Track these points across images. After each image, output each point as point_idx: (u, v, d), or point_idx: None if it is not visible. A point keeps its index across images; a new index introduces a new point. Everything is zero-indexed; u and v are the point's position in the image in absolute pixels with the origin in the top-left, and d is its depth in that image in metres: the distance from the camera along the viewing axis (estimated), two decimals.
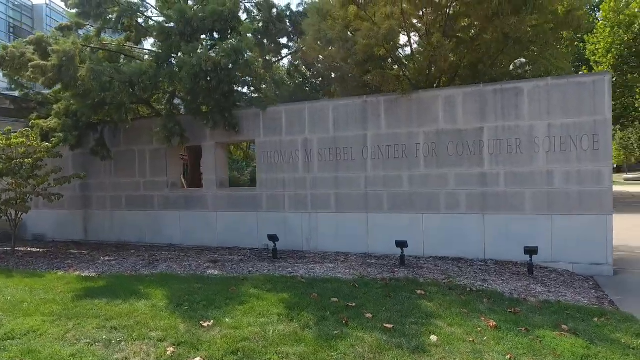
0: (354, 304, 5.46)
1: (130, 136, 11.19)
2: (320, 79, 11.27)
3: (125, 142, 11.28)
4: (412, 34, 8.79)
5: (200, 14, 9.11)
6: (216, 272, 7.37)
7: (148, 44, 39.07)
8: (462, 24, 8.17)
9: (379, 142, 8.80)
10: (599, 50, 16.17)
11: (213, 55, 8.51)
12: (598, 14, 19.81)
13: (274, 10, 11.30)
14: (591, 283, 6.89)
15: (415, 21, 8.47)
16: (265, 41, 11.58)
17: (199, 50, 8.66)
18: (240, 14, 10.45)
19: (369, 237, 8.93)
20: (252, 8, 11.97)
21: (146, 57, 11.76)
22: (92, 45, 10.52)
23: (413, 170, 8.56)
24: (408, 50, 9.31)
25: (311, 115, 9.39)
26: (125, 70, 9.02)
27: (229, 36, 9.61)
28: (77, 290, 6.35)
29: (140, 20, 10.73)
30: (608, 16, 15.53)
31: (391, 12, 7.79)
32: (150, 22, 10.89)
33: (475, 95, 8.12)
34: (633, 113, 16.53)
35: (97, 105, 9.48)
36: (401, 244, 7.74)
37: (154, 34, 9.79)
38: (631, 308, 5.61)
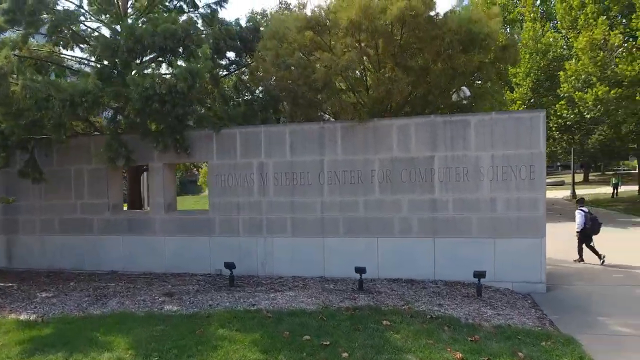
0: (327, 342, 5.57)
1: (65, 154, 10.35)
2: (270, 96, 11.21)
3: (59, 162, 10.42)
4: (367, 63, 9.08)
5: (151, 32, 8.68)
6: (175, 308, 7.10)
7: (79, 52, 36.15)
8: (417, 59, 8.60)
9: (336, 167, 9.00)
10: (520, 74, 17.82)
11: (168, 76, 8.17)
12: (518, 37, 21.73)
13: (225, 27, 11.05)
14: (529, 301, 7.62)
15: (370, 51, 8.76)
16: (215, 56, 11.29)
17: (150, 71, 8.27)
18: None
19: (325, 261, 9.09)
20: (202, 24, 11.62)
21: (85, 68, 10.97)
22: (19, 54, 9.60)
23: (368, 196, 8.86)
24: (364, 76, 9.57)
25: (267, 138, 9.34)
26: (66, 87, 8.36)
27: (181, 55, 9.28)
28: (22, 342, 5.79)
29: (78, 28, 10.02)
30: (527, 44, 17.15)
31: (350, 43, 8.01)
32: (93, 32, 10.21)
33: (427, 125, 8.60)
34: (548, 132, 18.41)
35: (31, 124, 8.67)
36: (360, 270, 7.99)
37: (98, 48, 9.15)
38: (568, 328, 6.31)
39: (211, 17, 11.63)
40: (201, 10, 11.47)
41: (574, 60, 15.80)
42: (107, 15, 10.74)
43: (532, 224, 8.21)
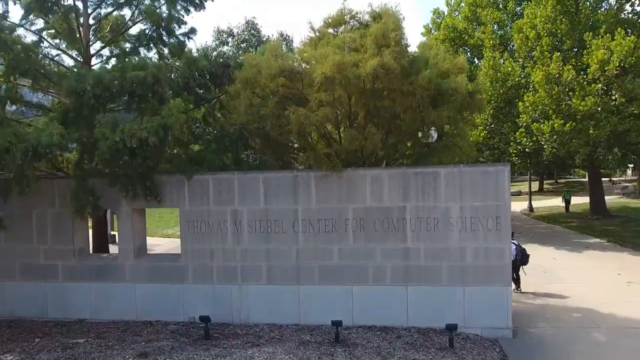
0: None
1: (27, 197, 9.86)
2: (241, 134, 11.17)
3: (20, 205, 9.93)
4: (340, 113, 9.23)
5: (120, 79, 8.45)
6: None
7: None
8: (389, 111, 8.83)
9: (310, 216, 9.09)
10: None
11: (137, 128, 7.98)
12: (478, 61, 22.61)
13: (194, 63, 10.89)
14: (498, 350, 7.98)
15: (343, 103, 8.91)
16: (185, 93, 11.13)
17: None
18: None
19: (300, 308, 9.16)
20: (168, 53, 11.43)
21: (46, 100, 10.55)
22: None
23: (343, 244, 9.01)
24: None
25: (241, 185, 9.31)
26: (29, 137, 8.01)
27: (151, 100, 9.09)
28: None
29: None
30: (488, 72, 17.90)
31: (324, 98, 8.13)
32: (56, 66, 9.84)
33: (399, 176, 8.85)
34: (507, 158, 19.35)
35: None
36: (336, 323, 8.12)
37: (63, 92, 8.82)
38: None
39: (179, 48, 11.46)
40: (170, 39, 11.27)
41: (531, 93, 16.62)
42: (73, 51, 10.39)
43: (498, 272, 8.61)
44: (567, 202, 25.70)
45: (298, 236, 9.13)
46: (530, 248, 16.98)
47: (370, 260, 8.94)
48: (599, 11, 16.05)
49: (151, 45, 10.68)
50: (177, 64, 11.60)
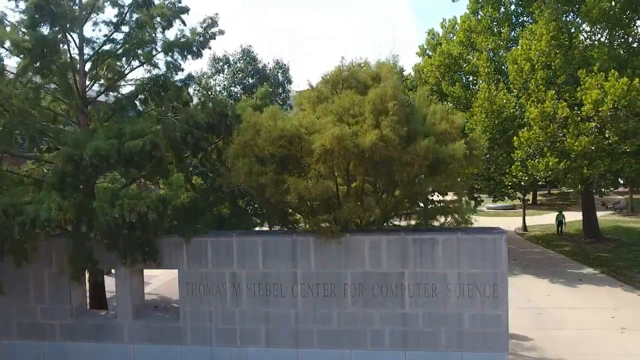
0: None
1: None
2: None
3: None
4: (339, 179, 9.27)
5: (118, 149, 8.42)
6: None
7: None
8: (389, 179, 8.89)
9: (309, 280, 9.12)
10: (477, 130, 18.71)
11: (137, 202, 7.97)
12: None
13: (193, 119, 10.87)
14: None
15: (342, 169, 8.97)
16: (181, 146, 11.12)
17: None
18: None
19: None
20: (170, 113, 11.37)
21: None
22: None
23: (342, 309, 9.05)
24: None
25: (239, 248, 9.33)
26: (27, 210, 7.98)
27: (148, 163, 9.08)
28: None
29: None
30: (483, 104, 18.03)
31: (324, 171, 8.18)
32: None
33: (397, 242, 8.90)
34: (503, 189, 19.52)
35: None
36: None
37: (60, 158, 8.77)
38: None
39: (176, 95, 11.47)
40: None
41: (526, 129, 16.77)
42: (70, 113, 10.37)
43: (496, 339, 8.70)
44: (560, 224, 25.92)
45: (297, 300, 9.16)
46: (526, 281, 17.12)
47: (369, 325, 9.00)
48: (593, 50, 16.20)
49: (148, 99, 10.63)
50: (174, 106, 11.63)
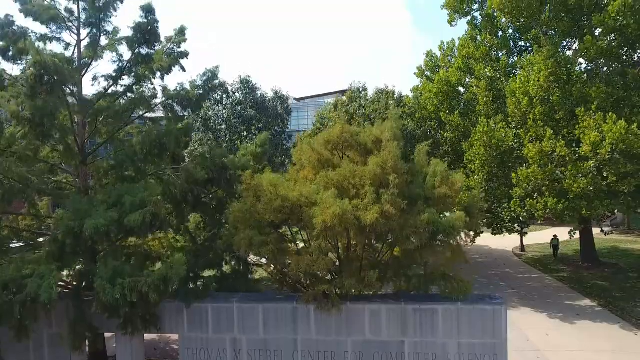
0: None
1: None
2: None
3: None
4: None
5: (118, 223, 8.43)
6: None
7: None
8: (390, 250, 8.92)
9: (310, 347, 9.15)
10: (476, 163, 18.77)
11: (138, 281, 7.97)
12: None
13: (193, 177, 10.88)
14: None
15: (343, 241, 9.02)
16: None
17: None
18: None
19: None
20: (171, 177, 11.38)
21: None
22: None
23: None
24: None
25: (240, 314, 9.35)
26: (28, 287, 7.97)
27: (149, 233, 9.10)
28: None
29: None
30: (482, 138, 18.08)
31: (325, 246, 8.20)
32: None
33: (397, 311, 8.94)
34: (501, 223, 19.60)
35: None
36: None
37: (61, 230, 8.75)
38: None
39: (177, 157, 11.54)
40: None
41: (524, 167, 16.82)
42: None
43: None
44: (555, 248, 25.97)
45: None
46: (524, 316, 17.12)
47: None
48: (591, 88, 16.24)
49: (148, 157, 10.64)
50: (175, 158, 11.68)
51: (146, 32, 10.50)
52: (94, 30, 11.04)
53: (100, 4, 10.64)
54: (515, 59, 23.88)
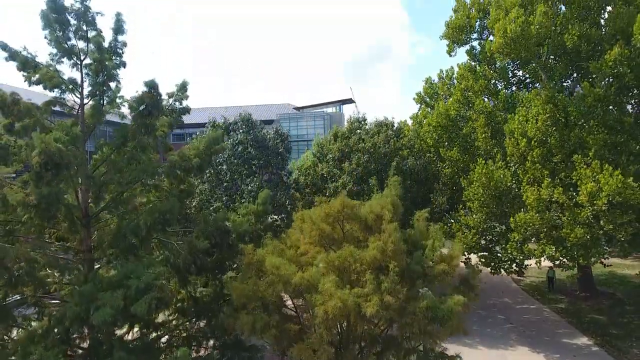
0: None
1: None
2: None
3: None
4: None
5: (122, 308, 8.59)
6: None
7: None
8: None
9: None
10: (475, 203, 18.98)
11: None
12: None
13: (195, 248, 11.04)
14: None
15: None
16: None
17: None
18: None
19: None
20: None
21: None
22: None
23: None
24: None
25: None
26: None
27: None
28: None
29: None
30: (481, 179, 18.27)
31: (326, 336, 8.38)
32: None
33: None
34: (499, 263, 19.76)
35: None
36: None
37: (66, 319, 8.88)
38: None
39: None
40: None
41: (522, 211, 17.01)
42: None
43: None
44: (551, 280, 26.08)
45: None
46: (521, 355, 17.36)
47: None
48: (589, 136, 16.40)
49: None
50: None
51: (150, 105, 10.65)
52: (97, 97, 11.24)
53: (103, 78, 10.80)
54: (514, 88, 24.11)
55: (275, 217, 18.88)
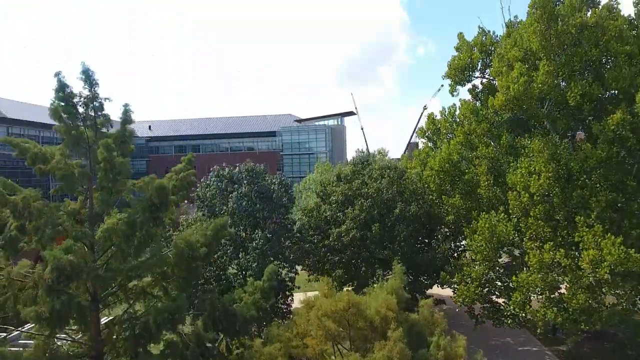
0: None
1: None
2: None
3: None
4: None
5: None
6: None
7: None
8: None
9: None
10: (477, 255, 19.15)
11: None
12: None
13: (201, 340, 11.22)
14: None
15: None
16: None
17: None
18: None
19: None
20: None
21: None
22: None
23: None
24: None
25: None
26: None
27: None
28: None
29: None
30: (484, 233, 18.43)
31: None
32: None
33: None
34: (502, 317, 19.91)
35: None
36: None
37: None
38: None
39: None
40: None
41: (525, 270, 17.15)
42: None
43: None
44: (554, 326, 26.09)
45: None
46: None
47: None
48: (591, 197, 16.53)
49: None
50: None
51: (159, 203, 10.84)
52: (106, 189, 11.42)
53: (114, 174, 10.98)
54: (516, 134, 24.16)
55: (282, 272, 19.16)
